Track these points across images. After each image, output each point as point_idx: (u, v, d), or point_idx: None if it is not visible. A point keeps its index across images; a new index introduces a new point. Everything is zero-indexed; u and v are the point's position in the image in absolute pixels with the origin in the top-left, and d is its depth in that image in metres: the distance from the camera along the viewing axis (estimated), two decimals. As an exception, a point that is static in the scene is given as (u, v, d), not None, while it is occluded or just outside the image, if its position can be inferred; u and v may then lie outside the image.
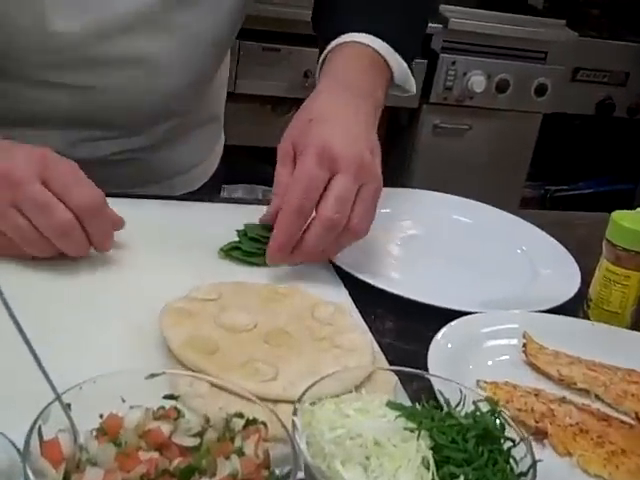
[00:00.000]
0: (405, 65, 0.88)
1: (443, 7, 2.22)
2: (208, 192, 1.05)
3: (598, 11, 2.70)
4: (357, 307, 0.74)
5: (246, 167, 2.34)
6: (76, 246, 0.70)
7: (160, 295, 0.66)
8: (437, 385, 0.57)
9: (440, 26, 2.20)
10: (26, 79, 0.82)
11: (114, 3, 0.80)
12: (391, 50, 0.86)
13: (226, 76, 1.08)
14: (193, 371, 0.58)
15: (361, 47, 0.84)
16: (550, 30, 2.33)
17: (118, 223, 0.72)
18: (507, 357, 0.69)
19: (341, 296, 0.75)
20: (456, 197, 0.98)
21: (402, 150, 2.47)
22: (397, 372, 0.59)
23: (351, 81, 0.82)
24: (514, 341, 0.69)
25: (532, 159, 2.52)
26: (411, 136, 2.44)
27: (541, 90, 2.36)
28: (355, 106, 0.80)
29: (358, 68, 0.83)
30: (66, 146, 0.85)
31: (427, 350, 0.66)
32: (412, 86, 0.91)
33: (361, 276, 0.76)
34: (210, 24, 0.87)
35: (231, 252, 0.77)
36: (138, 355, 0.62)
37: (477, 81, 2.30)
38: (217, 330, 0.62)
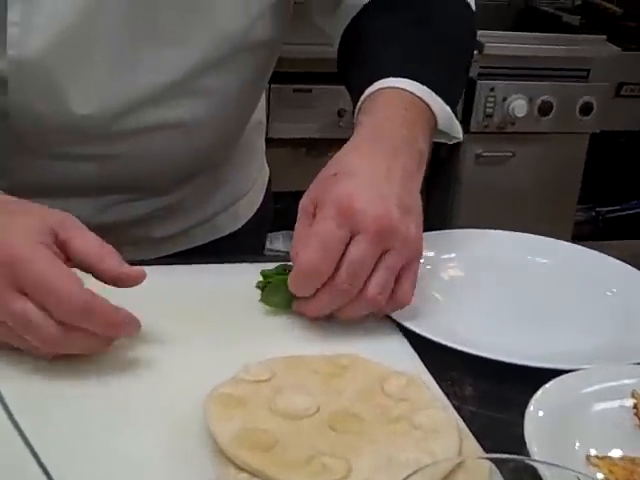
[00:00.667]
0: (448, 109, 0.78)
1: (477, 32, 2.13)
2: (254, 233, 1.01)
3: (636, 24, 2.60)
4: (429, 371, 0.64)
5: (281, 213, 2.27)
6: (81, 348, 0.60)
7: (201, 379, 0.57)
8: (543, 471, 0.47)
9: (475, 52, 2.10)
10: (52, 154, 0.77)
11: (137, 80, 0.75)
12: (433, 94, 0.76)
13: (262, 113, 1.02)
14: (248, 473, 0.49)
15: (398, 92, 0.74)
16: (591, 46, 2.24)
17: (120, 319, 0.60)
18: (618, 421, 0.58)
19: (411, 361, 0.65)
20: (526, 235, 0.87)
21: (445, 184, 2.37)
22: (493, 459, 0.49)
23: (386, 132, 0.72)
24: (625, 402, 0.59)
25: (582, 181, 2.41)
26: (453, 168, 2.34)
27: (586, 109, 2.25)
28: (389, 160, 0.70)
29: (395, 116, 0.73)
30: (95, 212, 0.83)
31: (515, 417, 0.56)
32: (458, 132, 0.82)
33: (430, 336, 0.66)
34: (238, 83, 0.82)
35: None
36: (178, 456, 0.52)
37: (518, 105, 2.20)
38: (273, 419, 0.53)
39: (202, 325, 0.67)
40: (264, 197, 1.05)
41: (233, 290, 0.72)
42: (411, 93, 0.74)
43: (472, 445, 0.54)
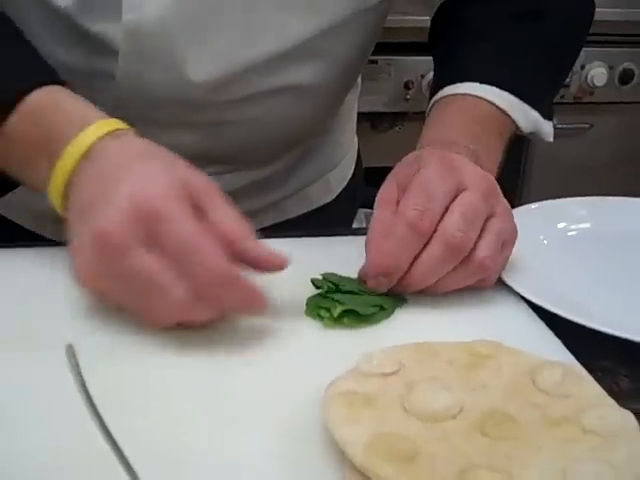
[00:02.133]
0: (535, 114, 0.74)
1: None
2: (345, 206, 0.97)
3: None
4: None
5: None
6: (202, 317, 0.53)
7: (313, 371, 0.48)
8: None
9: (551, 17, 1.97)
10: (151, 120, 0.70)
11: (257, 46, 0.70)
12: (514, 99, 0.72)
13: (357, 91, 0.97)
14: (387, 490, 0.39)
15: (476, 102, 0.71)
16: (676, 9, 2.09)
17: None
18: None
19: (556, 348, 0.55)
20: (635, 199, 0.78)
21: (517, 159, 2.24)
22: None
23: (454, 140, 0.67)
24: None
25: (663, 154, 2.26)
26: (526, 142, 2.21)
27: (670, 76, 2.10)
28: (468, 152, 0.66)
29: (464, 132, 0.69)
30: None
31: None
32: (548, 134, 0.78)
33: (573, 318, 0.56)
34: (355, 46, 0.77)
35: (338, 319, 0.56)
36: (292, 467, 0.43)
37: (597, 74, 2.06)
38: (410, 421, 0.43)
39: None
40: (355, 169, 0.97)
41: (335, 263, 0.63)
42: (491, 103, 0.71)
43: (656, 452, 0.43)
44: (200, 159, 0.76)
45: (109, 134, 0.56)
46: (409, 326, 0.56)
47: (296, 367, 0.51)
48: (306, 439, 0.44)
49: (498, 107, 0.71)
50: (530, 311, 0.59)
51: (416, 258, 0.57)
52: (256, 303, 0.52)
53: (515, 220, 0.68)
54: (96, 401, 0.46)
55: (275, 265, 0.53)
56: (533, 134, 0.77)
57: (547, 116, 0.77)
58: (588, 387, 0.47)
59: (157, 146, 0.56)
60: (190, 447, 0.43)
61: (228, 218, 0.53)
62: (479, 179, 0.60)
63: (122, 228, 0.50)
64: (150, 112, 0.71)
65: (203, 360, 0.51)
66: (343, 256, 0.63)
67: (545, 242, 0.69)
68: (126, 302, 0.53)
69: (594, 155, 2.20)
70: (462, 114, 0.71)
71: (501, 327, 0.56)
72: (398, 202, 0.59)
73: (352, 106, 0.96)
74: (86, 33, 0.67)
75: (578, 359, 0.53)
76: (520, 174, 2.25)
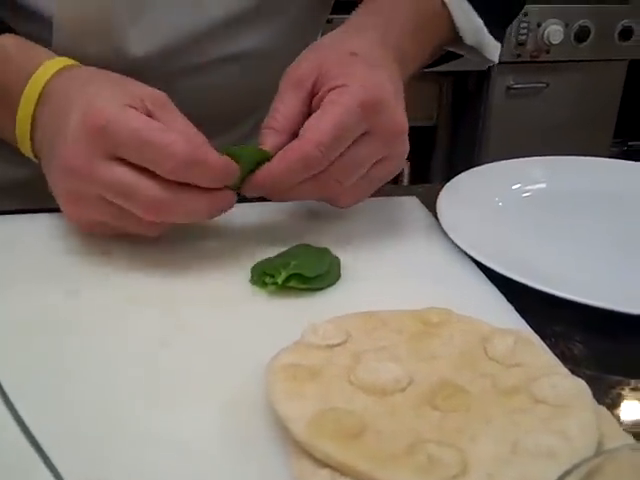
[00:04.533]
0: (479, 22, 0.68)
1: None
2: None
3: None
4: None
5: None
6: (187, 213, 0.53)
7: (259, 344, 0.45)
8: None
9: (507, -27, 1.95)
10: None
11: (200, 15, 0.67)
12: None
13: None
14: (332, 468, 0.37)
15: None
16: (632, -36, 2.07)
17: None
18: None
19: (508, 314, 0.53)
20: (590, 158, 0.76)
21: (473, 118, 2.23)
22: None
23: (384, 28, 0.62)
24: None
25: (618, 113, 2.26)
26: (482, 101, 2.19)
27: (625, 34, 2.10)
28: (394, 56, 0.61)
29: (395, 20, 0.64)
30: None
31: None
32: (492, 53, 0.71)
33: (525, 281, 0.54)
34: (301, 9, 0.74)
35: (284, 284, 0.54)
36: (234, 446, 0.41)
37: (553, 31, 2.05)
38: (357, 395, 0.41)
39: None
40: None
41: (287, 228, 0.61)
42: None
43: (609, 422, 0.42)
44: None
45: (57, 73, 0.56)
46: (357, 295, 0.54)
47: (240, 339, 0.49)
48: (250, 415, 0.42)
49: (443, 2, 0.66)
50: (482, 276, 0.57)
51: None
52: (230, 175, 0.52)
53: (470, 182, 0.66)
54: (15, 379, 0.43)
55: (230, 174, 0.53)
56: (475, 52, 0.71)
57: (495, 35, 0.71)
58: (540, 355, 0.45)
59: (105, 70, 0.56)
60: (124, 429, 0.41)
61: (184, 126, 0.53)
62: (395, 129, 0.56)
63: (79, 149, 0.51)
64: None
65: (137, 334, 0.49)
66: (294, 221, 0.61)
67: (500, 204, 0.67)
68: (112, 224, 0.54)
69: (550, 115, 2.19)
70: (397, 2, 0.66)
71: (452, 293, 0.54)
72: (310, 89, 0.57)
73: None
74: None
75: (530, 325, 0.52)
76: (477, 134, 2.23)
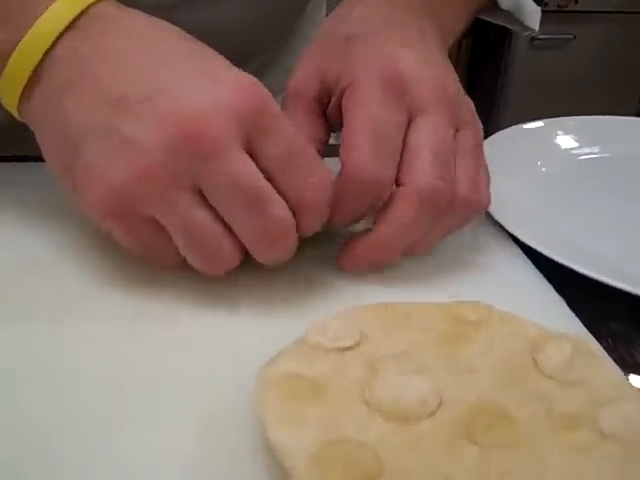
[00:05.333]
0: None
1: None
2: None
3: None
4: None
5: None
6: (283, 254, 0.41)
7: (249, 345, 0.36)
8: None
9: None
10: None
11: None
12: None
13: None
14: (338, 523, 0.28)
15: None
16: None
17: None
18: None
19: (561, 311, 0.43)
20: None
21: (493, 72, 2.11)
22: None
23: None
24: None
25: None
26: (504, 54, 2.08)
27: (660, -16, 1.97)
28: (416, 22, 0.48)
29: None
30: None
31: None
32: (533, 18, 0.60)
33: (584, 270, 0.45)
34: None
35: None
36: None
37: (584, -21, 1.92)
38: (371, 420, 0.32)
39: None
40: None
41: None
42: None
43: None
44: None
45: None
46: (375, 282, 0.44)
47: (225, 338, 0.39)
48: (232, 442, 0.33)
49: None
50: (526, 259, 0.47)
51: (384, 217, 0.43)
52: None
53: (505, 143, 0.57)
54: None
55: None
56: (511, 17, 0.60)
57: None
58: (604, 369, 0.36)
59: (166, 24, 0.42)
60: (81, 448, 0.32)
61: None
62: (433, 88, 0.44)
63: (164, 168, 0.36)
64: None
65: (92, 334, 0.40)
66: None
67: (543, 169, 0.57)
68: (152, 251, 0.41)
69: (576, 69, 2.08)
70: None
71: (491, 283, 0.45)
72: (315, 98, 0.46)
73: (317, 6, 0.81)
74: None
75: (583, 322, 0.43)
76: (497, 90, 2.12)
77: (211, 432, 0.33)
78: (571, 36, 2.03)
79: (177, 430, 0.33)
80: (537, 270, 0.47)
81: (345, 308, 0.38)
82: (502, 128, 0.61)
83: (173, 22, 0.57)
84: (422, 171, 0.41)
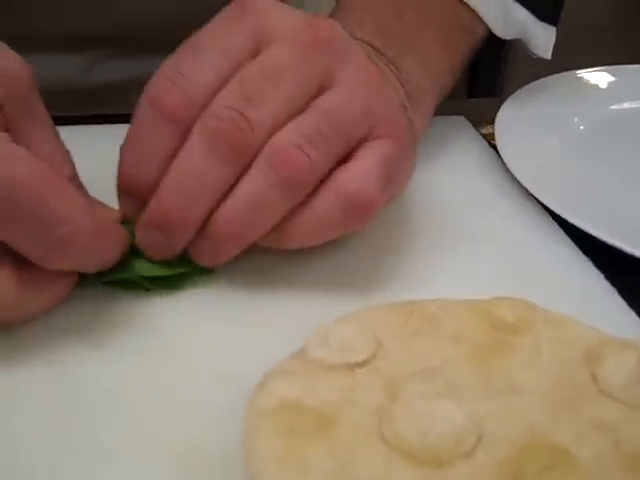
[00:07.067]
0: (524, 12, 0.48)
1: None
2: None
3: None
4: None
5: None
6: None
7: (233, 361, 0.30)
8: None
9: None
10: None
11: None
12: None
13: None
14: None
15: None
16: None
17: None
18: None
19: (614, 307, 0.36)
20: None
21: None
22: None
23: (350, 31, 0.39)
24: None
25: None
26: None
27: None
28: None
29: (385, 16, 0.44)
30: (80, 71, 0.60)
31: None
32: (543, 46, 0.51)
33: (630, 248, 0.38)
34: None
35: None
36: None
37: None
38: (393, 465, 0.25)
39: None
40: None
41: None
42: None
43: None
44: (91, 42, 0.58)
45: None
46: (386, 271, 0.37)
47: (208, 353, 0.32)
48: None
49: None
50: (572, 245, 0.40)
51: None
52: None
53: (537, 97, 0.49)
54: None
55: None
56: (518, 42, 0.52)
57: (546, 16, 0.51)
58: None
59: None
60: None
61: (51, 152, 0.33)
62: (358, 69, 0.34)
63: None
64: None
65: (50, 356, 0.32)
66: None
67: (581, 127, 0.50)
68: None
69: (587, 11, 1.98)
70: None
71: (527, 268, 0.37)
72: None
73: None
74: None
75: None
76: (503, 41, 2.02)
77: (187, 471, 0.26)
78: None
79: (146, 467, 0.26)
80: (581, 252, 0.39)
81: (353, 310, 0.31)
82: (515, 86, 0.54)
83: None
84: (220, 98, 0.32)
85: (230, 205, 0.32)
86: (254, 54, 0.33)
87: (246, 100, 0.31)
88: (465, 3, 0.46)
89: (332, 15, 0.45)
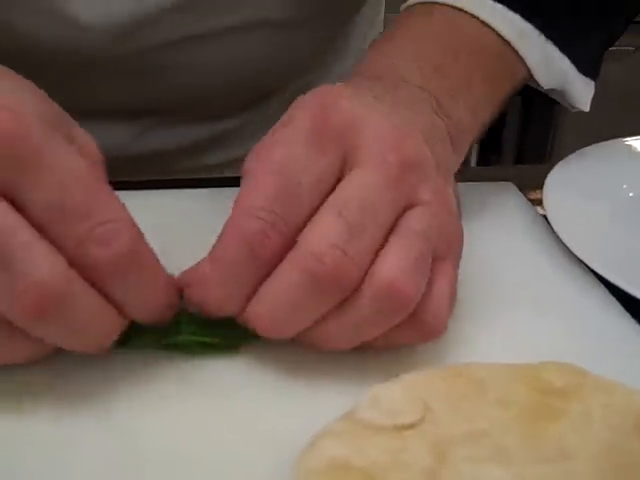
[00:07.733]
0: (566, 62, 0.48)
1: None
2: None
3: None
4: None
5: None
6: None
7: (278, 423, 0.30)
8: None
9: None
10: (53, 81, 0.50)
11: None
12: (527, 27, 0.46)
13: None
14: None
15: (457, 17, 0.45)
16: None
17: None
18: None
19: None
20: None
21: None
22: None
23: (401, 76, 0.41)
24: None
25: None
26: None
27: None
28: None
29: (429, 51, 0.44)
30: (130, 139, 0.63)
31: None
32: (582, 99, 0.51)
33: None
34: None
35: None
36: None
37: (648, -12, 1.82)
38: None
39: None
40: None
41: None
42: (486, 26, 0.45)
43: None
44: (140, 111, 0.61)
45: None
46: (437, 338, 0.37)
47: (255, 414, 0.32)
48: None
49: (498, 34, 0.45)
50: (623, 311, 0.40)
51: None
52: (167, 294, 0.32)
53: (586, 163, 0.49)
54: None
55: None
56: (557, 94, 0.51)
57: (587, 70, 0.50)
58: None
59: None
60: None
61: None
62: (436, 187, 0.35)
63: None
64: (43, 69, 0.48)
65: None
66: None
67: (631, 194, 0.50)
68: None
69: (636, 83, 1.98)
70: (432, 33, 0.45)
71: (581, 337, 0.37)
72: None
73: (361, 31, 0.71)
74: None
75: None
76: (552, 106, 2.03)
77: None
78: (632, 48, 1.93)
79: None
80: (632, 318, 0.39)
81: (401, 374, 0.31)
82: (563, 153, 0.54)
83: (162, 64, 0.56)
84: (318, 235, 0.31)
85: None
86: (340, 176, 0.33)
87: (345, 234, 0.31)
88: (510, 45, 0.46)
89: (381, 46, 0.45)
